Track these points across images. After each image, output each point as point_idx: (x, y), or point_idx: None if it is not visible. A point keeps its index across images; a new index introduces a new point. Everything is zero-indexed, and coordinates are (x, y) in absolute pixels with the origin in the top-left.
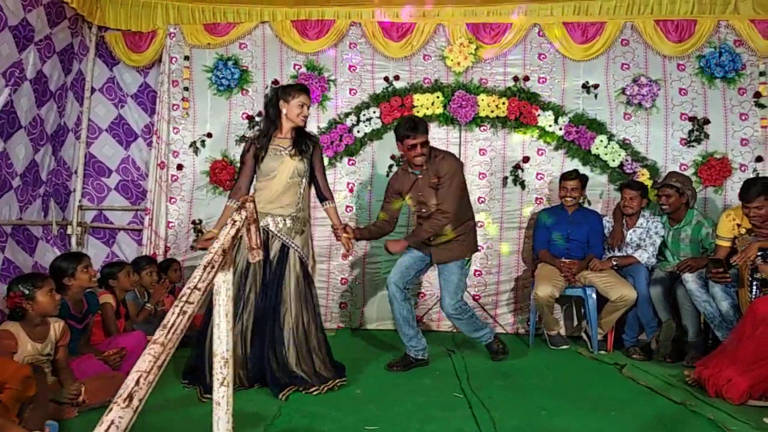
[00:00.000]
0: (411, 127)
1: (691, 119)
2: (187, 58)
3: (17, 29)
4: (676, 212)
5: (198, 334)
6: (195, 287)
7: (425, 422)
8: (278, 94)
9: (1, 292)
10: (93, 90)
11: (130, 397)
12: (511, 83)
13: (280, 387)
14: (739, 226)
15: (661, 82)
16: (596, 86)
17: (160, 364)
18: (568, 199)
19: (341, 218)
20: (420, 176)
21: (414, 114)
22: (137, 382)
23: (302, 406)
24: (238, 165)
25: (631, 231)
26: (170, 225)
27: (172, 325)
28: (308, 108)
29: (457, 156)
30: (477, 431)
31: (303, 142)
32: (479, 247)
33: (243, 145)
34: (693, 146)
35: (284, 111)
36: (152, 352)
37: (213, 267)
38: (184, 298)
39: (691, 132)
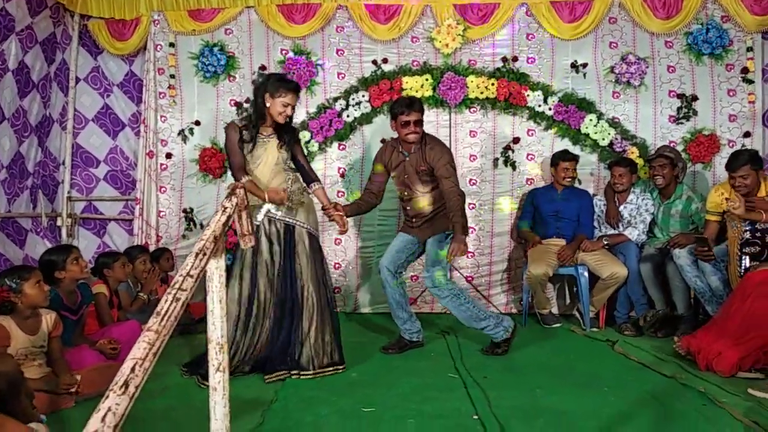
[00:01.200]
0: (406, 104)
1: (680, 96)
2: (172, 45)
3: None
4: (667, 187)
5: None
6: (188, 274)
7: (422, 403)
8: (266, 86)
9: None
10: (78, 80)
11: (126, 384)
12: (499, 64)
13: (274, 370)
14: (727, 200)
15: (649, 59)
16: (585, 65)
17: (155, 351)
18: (568, 179)
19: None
20: (407, 158)
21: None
22: (133, 369)
23: (298, 391)
24: (228, 147)
25: (621, 207)
26: (161, 214)
27: (166, 312)
28: (293, 108)
29: (448, 138)
30: (473, 411)
31: (284, 132)
32: (469, 228)
33: (229, 128)
34: (681, 123)
35: (268, 105)
36: (147, 339)
37: (205, 254)
38: (177, 285)
39: (679, 109)
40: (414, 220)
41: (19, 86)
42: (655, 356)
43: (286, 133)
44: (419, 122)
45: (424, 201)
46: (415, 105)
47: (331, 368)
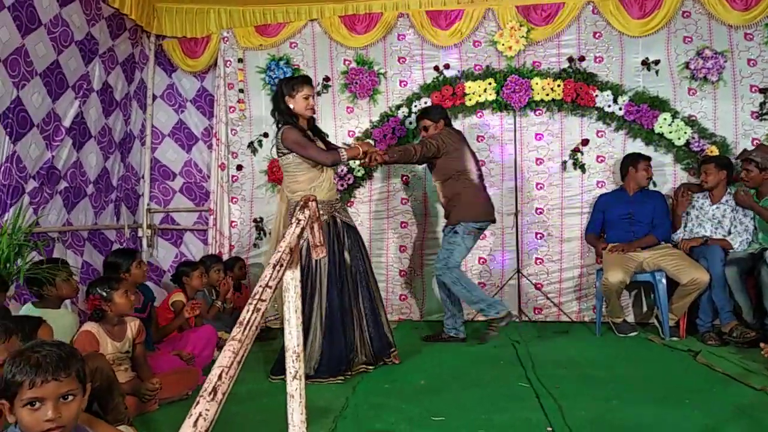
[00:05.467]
0: (419, 113)
1: (762, 91)
2: (240, 60)
3: (83, 43)
4: (761, 187)
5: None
6: (267, 285)
7: (492, 413)
8: (282, 89)
9: (83, 294)
10: (154, 97)
11: (215, 390)
12: (565, 64)
13: (376, 358)
14: None
15: (727, 53)
16: (657, 62)
17: (239, 359)
18: (647, 179)
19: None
20: None
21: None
22: (220, 377)
23: (369, 398)
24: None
25: (714, 207)
26: (233, 224)
27: (248, 322)
28: (313, 98)
29: (513, 142)
30: (545, 421)
31: (319, 130)
32: (538, 234)
33: (290, 130)
34: (765, 119)
35: (291, 106)
36: (231, 348)
37: (282, 265)
38: (257, 296)
39: (762, 104)
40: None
41: (103, 105)
42: (742, 367)
43: (316, 129)
44: (425, 128)
45: (438, 190)
46: (423, 113)
47: (393, 350)
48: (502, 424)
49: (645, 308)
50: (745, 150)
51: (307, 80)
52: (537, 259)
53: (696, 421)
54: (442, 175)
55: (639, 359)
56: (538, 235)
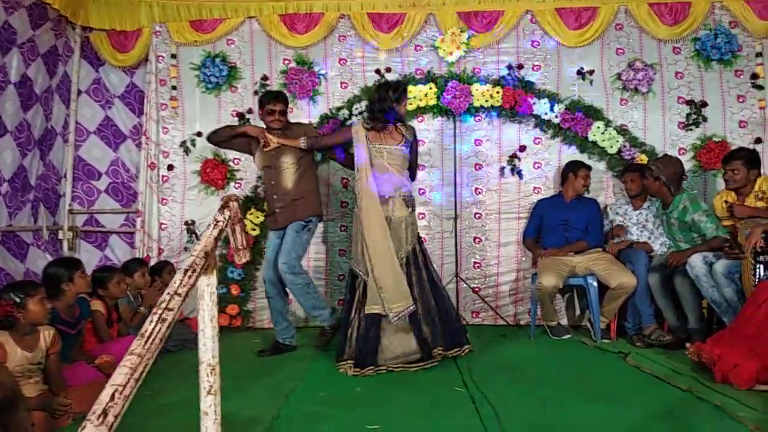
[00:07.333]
0: (273, 96)
1: (689, 103)
2: (174, 56)
3: None
4: (663, 197)
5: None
6: (175, 293)
7: (428, 419)
8: (391, 93)
9: None
10: (79, 92)
11: (105, 413)
12: (505, 72)
13: None
14: (726, 203)
15: (656, 66)
16: (591, 72)
17: (138, 376)
18: (585, 187)
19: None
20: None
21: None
22: (112, 397)
23: (302, 407)
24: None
25: (637, 213)
26: (162, 226)
27: (150, 333)
28: None
29: (452, 147)
30: (481, 427)
31: None
32: (476, 238)
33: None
34: (691, 130)
35: (399, 111)
36: (129, 363)
37: (195, 271)
38: (163, 305)
39: (688, 116)
40: (275, 207)
41: (21, 99)
42: (669, 369)
43: None
44: (282, 112)
45: (293, 182)
46: (282, 97)
47: None
48: (438, 430)
49: (578, 311)
50: (650, 159)
51: (407, 91)
52: (475, 263)
53: (626, 421)
54: (308, 167)
55: (572, 361)
56: (476, 240)
